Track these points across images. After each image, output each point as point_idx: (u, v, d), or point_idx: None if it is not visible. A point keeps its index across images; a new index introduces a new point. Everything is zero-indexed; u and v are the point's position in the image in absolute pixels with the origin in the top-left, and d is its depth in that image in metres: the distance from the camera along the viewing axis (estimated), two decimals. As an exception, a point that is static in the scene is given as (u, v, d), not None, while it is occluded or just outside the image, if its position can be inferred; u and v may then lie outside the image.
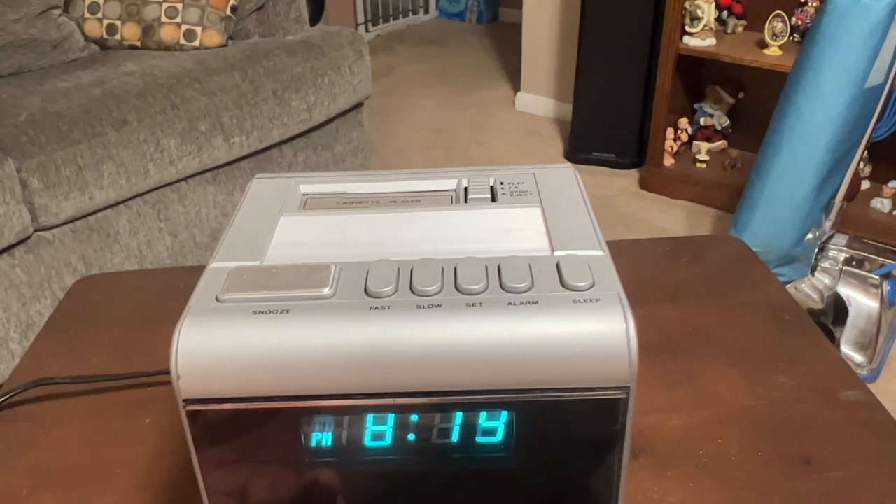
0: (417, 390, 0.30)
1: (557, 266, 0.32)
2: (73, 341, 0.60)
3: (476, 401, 0.30)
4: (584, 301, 0.30)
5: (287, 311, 0.30)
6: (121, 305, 0.64)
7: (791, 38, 2.03)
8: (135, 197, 1.55)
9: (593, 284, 0.31)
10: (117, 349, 0.58)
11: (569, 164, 0.42)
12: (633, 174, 2.43)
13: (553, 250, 0.34)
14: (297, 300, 0.31)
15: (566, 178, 0.40)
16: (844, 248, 1.63)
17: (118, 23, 1.81)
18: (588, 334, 0.30)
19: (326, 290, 0.31)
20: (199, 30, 1.79)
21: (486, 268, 0.32)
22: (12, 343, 1.42)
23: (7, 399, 0.52)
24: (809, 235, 1.59)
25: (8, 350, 1.42)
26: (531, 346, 0.30)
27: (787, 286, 1.61)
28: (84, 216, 1.47)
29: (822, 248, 1.63)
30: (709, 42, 2.11)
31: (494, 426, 0.32)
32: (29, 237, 1.40)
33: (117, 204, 1.53)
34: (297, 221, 0.38)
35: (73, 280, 1.47)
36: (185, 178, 1.64)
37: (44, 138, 1.39)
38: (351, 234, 0.36)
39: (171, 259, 1.67)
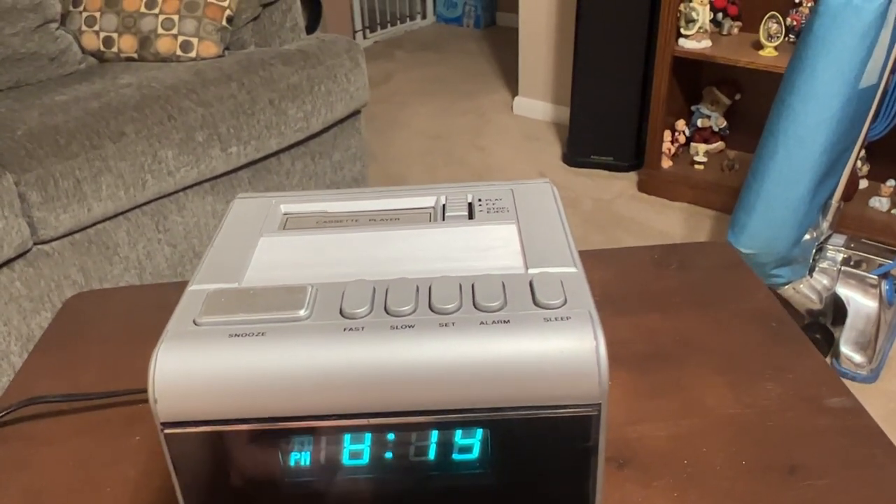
0: (392, 410, 0.31)
1: (530, 284, 0.33)
2: (66, 359, 0.60)
3: (450, 420, 0.31)
4: (556, 319, 0.31)
5: (263, 334, 0.31)
6: (113, 322, 0.65)
7: (786, 38, 2.03)
8: (133, 209, 1.56)
9: (565, 302, 0.32)
10: (109, 366, 0.59)
11: (548, 180, 0.42)
12: (632, 177, 2.43)
13: (527, 268, 0.34)
14: (273, 322, 0.32)
15: (543, 194, 0.41)
16: (842, 249, 1.63)
17: (115, 35, 1.82)
18: (559, 353, 0.30)
19: (302, 312, 0.32)
20: (195, 41, 1.79)
21: (461, 287, 0.33)
22: (13, 356, 1.43)
23: (-1, 418, 0.52)
24: (807, 236, 1.59)
25: (9, 363, 1.43)
26: (503, 365, 0.30)
27: (786, 287, 1.61)
28: (83, 229, 1.48)
29: (820, 249, 1.63)
30: (704, 44, 2.11)
31: (470, 444, 0.32)
32: (28, 251, 1.41)
33: (116, 216, 1.53)
34: (277, 242, 0.38)
35: (72, 292, 1.48)
36: (184, 189, 1.65)
37: (42, 152, 1.39)
38: (329, 254, 0.37)
39: (170, 270, 1.68)
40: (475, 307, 0.32)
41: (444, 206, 0.40)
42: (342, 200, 0.42)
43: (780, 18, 1.99)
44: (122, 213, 1.54)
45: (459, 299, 0.32)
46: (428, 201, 0.41)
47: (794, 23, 2.04)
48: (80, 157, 1.43)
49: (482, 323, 0.31)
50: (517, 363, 0.30)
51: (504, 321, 0.31)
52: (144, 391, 0.54)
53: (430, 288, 0.33)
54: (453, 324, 0.31)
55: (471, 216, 0.39)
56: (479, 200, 0.40)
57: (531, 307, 0.31)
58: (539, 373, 0.30)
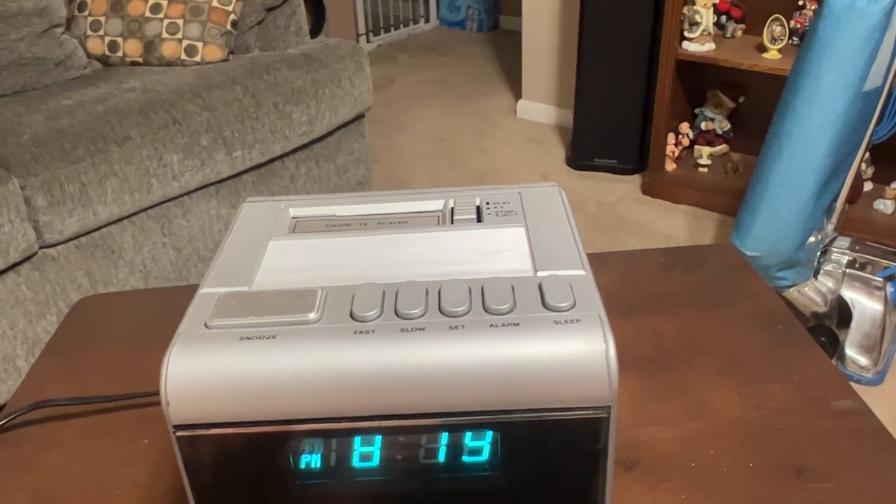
0: (402, 413, 0.31)
1: (539, 287, 0.33)
2: (74, 362, 0.60)
3: (460, 422, 0.31)
4: (565, 322, 0.31)
5: (274, 337, 0.31)
6: (121, 326, 0.65)
7: (790, 41, 2.03)
8: (138, 212, 1.57)
9: (574, 305, 0.32)
10: (117, 370, 0.59)
11: (555, 183, 0.43)
12: (636, 180, 2.43)
13: (536, 271, 0.35)
14: (283, 325, 0.32)
15: (551, 197, 0.41)
16: (847, 251, 1.62)
17: (120, 40, 1.82)
18: (568, 355, 0.30)
19: (312, 315, 0.32)
20: (200, 45, 1.80)
21: (470, 289, 0.33)
22: (19, 360, 1.44)
23: (7, 421, 0.52)
24: (812, 239, 1.59)
25: (15, 367, 1.43)
26: (513, 368, 0.30)
27: (791, 290, 1.61)
28: (88, 232, 1.49)
29: (825, 252, 1.63)
30: (708, 47, 2.12)
31: (480, 446, 0.32)
32: (34, 254, 1.41)
33: (121, 220, 1.54)
34: (286, 245, 0.38)
35: (78, 296, 1.48)
36: (189, 193, 1.65)
37: (47, 156, 1.40)
38: (338, 257, 0.37)
39: (175, 273, 1.68)
40: (485, 310, 0.32)
41: (452, 209, 0.41)
42: (351, 204, 0.42)
43: (784, 21, 1.99)
44: (127, 216, 1.54)
45: (469, 302, 0.32)
46: (436, 205, 0.41)
47: (798, 25, 2.04)
48: (86, 162, 1.43)
49: (492, 325, 0.31)
50: (527, 366, 0.30)
51: (514, 324, 0.31)
52: (153, 394, 0.55)
53: (439, 291, 0.33)
54: (463, 326, 0.31)
55: (479, 219, 0.39)
56: (488, 204, 0.41)
57: (541, 310, 0.32)
58: (549, 375, 0.30)
